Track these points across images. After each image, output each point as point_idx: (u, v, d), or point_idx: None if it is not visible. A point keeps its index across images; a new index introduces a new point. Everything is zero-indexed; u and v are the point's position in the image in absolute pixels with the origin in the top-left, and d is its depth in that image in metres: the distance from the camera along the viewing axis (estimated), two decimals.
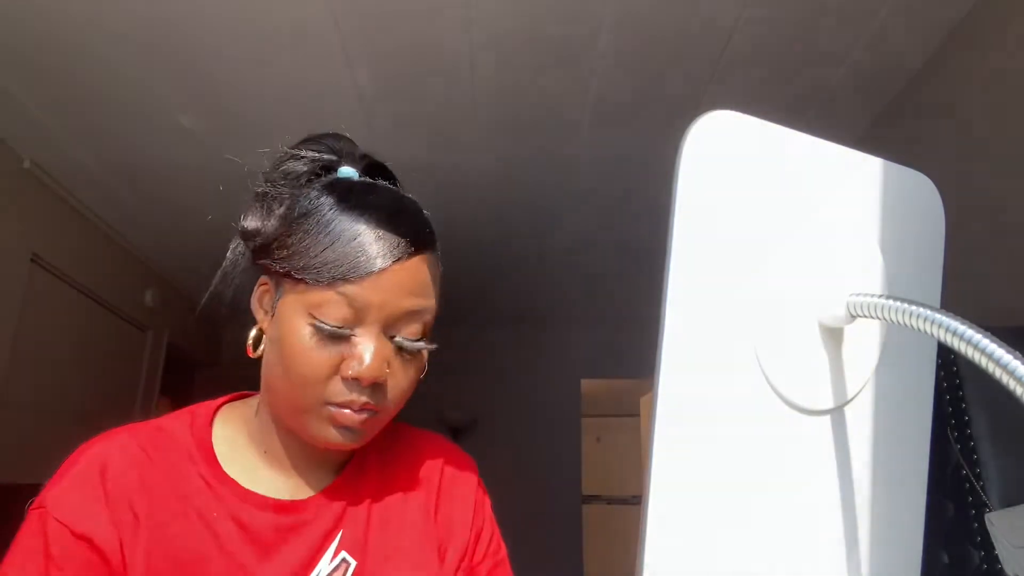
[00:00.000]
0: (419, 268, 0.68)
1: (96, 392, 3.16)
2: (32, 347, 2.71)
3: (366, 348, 0.65)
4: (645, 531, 0.42)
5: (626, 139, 2.47)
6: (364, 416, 0.67)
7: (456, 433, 4.26)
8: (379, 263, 0.65)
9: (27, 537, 0.65)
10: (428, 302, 0.69)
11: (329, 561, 0.68)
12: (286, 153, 0.74)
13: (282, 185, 0.71)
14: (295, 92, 2.22)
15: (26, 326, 2.66)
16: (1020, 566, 1.01)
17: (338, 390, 0.65)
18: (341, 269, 0.64)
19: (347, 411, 0.66)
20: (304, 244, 0.65)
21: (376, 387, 0.66)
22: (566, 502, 4.20)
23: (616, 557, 4.49)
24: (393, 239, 0.66)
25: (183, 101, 2.28)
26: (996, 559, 1.05)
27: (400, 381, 0.68)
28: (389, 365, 0.66)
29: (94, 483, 0.66)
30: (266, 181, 0.72)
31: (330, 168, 0.73)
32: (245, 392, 0.78)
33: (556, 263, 3.62)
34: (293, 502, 0.70)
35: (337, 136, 0.75)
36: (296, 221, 0.67)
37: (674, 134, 0.45)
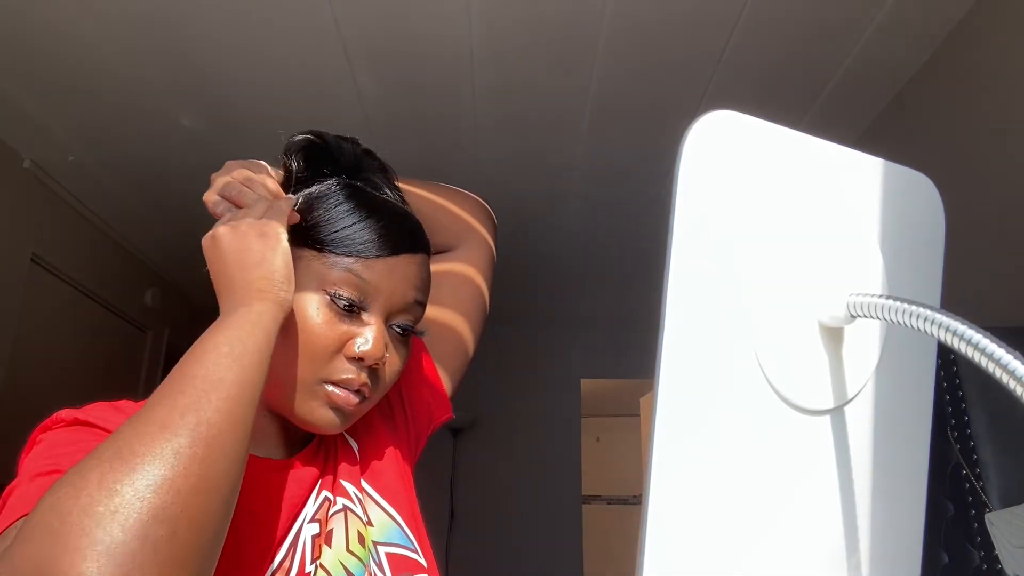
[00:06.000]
0: (423, 266, 0.74)
1: (96, 392, 3.14)
2: (32, 347, 2.71)
3: (371, 330, 0.69)
4: (645, 531, 0.42)
5: (626, 139, 2.47)
6: (357, 400, 0.70)
7: (456, 433, 4.26)
8: (392, 248, 0.70)
9: (60, 436, 0.60)
10: (426, 298, 0.75)
11: (314, 501, 0.71)
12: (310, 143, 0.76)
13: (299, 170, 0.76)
14: (295, 92, 2.22)
15: (26, 326, 2.66)
16: (1020, 566, 1.01)
17: (339, 368, 0.68)
18: (361, 246, 0.69)
19: (343, 391, 0.69)
20: (325, 218, 0.70)
21: (373, 370, 0.70)
22: (566, 502, 4.19)
23: (616, 557, 4.50)
24: (405, 232, 0.73)
25: (183, 101, 2.28)
26: (996, 559, 1.05)
27: (393, 366, 0.73)
28: (387, 349, 0.71)
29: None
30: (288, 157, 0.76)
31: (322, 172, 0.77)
32: None
33: (556, 263, 3.62)
34: (280, 460, 0.73)
35: (359, 154, 0.79)
36: (316, 200, 0.72)
37: (674, 134, 0.45)
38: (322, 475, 0.74)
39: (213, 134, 2.45)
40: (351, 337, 0.68)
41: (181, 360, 0.57)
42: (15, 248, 2.60)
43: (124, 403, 0.67)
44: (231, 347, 0.58)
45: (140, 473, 0.47)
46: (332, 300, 0.68)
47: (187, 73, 2.14)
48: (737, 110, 0.46)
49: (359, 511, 0.73)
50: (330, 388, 0.68)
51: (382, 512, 0.76)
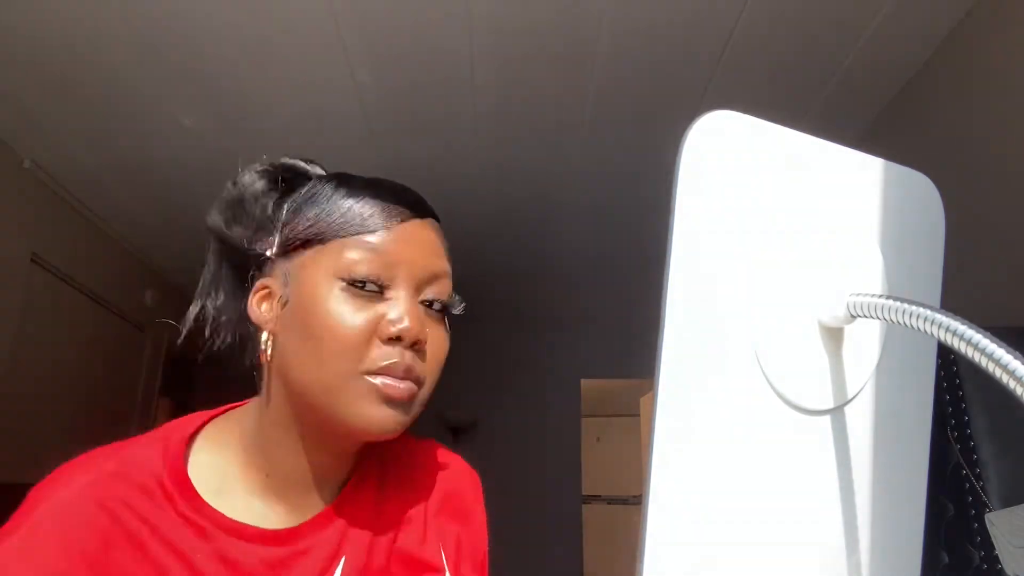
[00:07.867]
0: (432, 230, 0.68)
1: (96, 392, 3.16)
2: (32, 347, 2.71)
3: (401, 307, 0.62)
4: (645, 531, 0.42)
5: (625, 139, 2.47)
6: (408, 386, 0.62)
7: (456, 433, 4.26)
8: (400, 215, 0.65)
9: None
10: (448, 265, 0.68)
11: None
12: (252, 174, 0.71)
13: (262, 198, 0.70)
14: (295, 92, 2.22)
15: (26, 326, 2.66)
16: (1020, 566, 1.01)
17: (378, 355, 0.61)
18: (365, 220, 0.63)
19: (392, 379, 0.61)
20: (324, 213, 0.65)
21: (416, 351, 0.63)
22: (566, 502, 4.20)
23: (616, 557, 4.50)
24: (410, 199, 0.67)
25: (183, 101, 2.28)
26: (996, 559, 1.05)
27: (437, 343, 0.65)
28: (424, 326, 0.64)
29: (48, 549, 0.56)
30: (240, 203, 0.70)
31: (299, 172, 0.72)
32: (227, 406, 0.73)
33: (556, 263, 3.62)
34: (287, 531, 0.64)
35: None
36: (306, 204, 0.67)
37: (674, 134, 0.45)
38: (346, 549, 0.64)
39: (213, 134, 2.45)
40: (381, 317, 0.61)
41: None
42: (15, 248, 2.60)
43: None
44: None
45: None
46: (350, 285, 0.61)
47: (188, 73, 2.14)
48: (737, 110, 0.46)
49: None
50: (375, 380, 0.60)
51: None
